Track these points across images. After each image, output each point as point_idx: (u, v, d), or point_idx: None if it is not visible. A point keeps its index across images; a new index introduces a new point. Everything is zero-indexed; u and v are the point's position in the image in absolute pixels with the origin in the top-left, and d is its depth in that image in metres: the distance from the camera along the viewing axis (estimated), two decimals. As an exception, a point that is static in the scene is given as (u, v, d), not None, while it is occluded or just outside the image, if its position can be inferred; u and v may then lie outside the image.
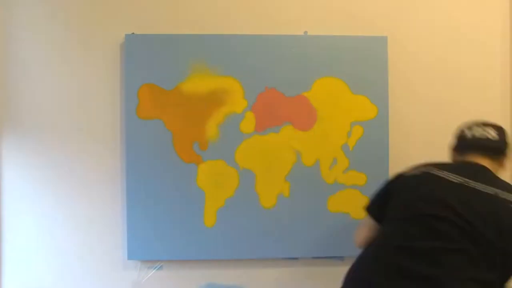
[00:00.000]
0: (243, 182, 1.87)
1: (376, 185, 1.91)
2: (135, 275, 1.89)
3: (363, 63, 1.92)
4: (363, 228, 1.43)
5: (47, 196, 1.88)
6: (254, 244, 1.85)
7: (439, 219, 1.17)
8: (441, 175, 1.25)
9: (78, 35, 1.90)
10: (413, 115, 1.99)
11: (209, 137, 1.86)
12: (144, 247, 1.82)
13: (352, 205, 1.91)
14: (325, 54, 1.91)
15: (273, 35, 1.91)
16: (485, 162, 1.33)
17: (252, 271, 1.90)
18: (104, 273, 1.88)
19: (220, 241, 1.85)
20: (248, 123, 1.88)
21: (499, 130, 1.40)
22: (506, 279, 1.18)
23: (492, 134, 1.36)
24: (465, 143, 1.41)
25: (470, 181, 1.22)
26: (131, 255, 1.82)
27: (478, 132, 1.38)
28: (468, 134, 1.40)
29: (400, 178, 1.38)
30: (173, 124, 1.85)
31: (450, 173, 1.25)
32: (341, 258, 1.94)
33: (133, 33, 1.88)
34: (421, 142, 1.99)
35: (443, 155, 2.00)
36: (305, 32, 1.95)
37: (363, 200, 1.92)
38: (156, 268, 1.85)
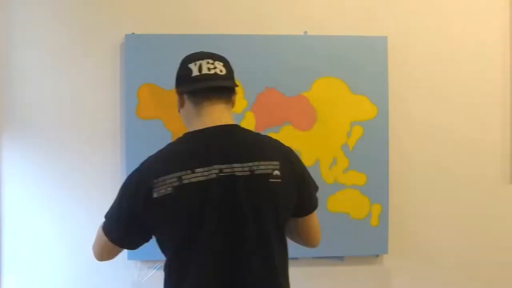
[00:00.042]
0: (243, 182, 1.86)
1: (376, 185, 1.92)
2: (135, 275, 1.89)
3: (363, 63, 1.92)
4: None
5: (47, 196, 1.88)
6: (254, 244, 1.85)
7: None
8: (194, 180, 1.05)
9: (78, 35, 1.90)
10: (413, 115, 1.99)
11: (209, 137, 1.86)
12: (144, 247, 1.82)
13: (352, 205, 1.91)
14: (325, 54, 1.91)
15: (273, 35, 1.91)
16: (221, 106, 1.14)
17: (252, 271, 1.90)
18: (104, 273, 1.87)
19: (220, 241, 1.85)
20: (248, 123, 1.88)
21: (224, 61, 1.17)
22: None
23: (219, 68, 1.13)
24: (194, 84, 1.13)
25: (225, 166, 1.06)
26: (131, 255, 1.81)
27: (206, 67, 1.12)
28: (195, 70, 1.12)
29: (152, 201, 1.07)
30: (173, 124, 1.85)
31: (203, 168, 1.05)
32: (341, 258, 1.94)
33: (133, 33, 1.88)
34: (421, 142, 1.99)
35: (443, 155, 2.01)
36: (305, 32, 1.95)
37: (363, 200, 1.94)
38: (156, 268, 1.85)
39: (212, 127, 1.12)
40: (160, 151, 1.15)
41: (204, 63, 1.12)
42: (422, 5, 2.00)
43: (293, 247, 1.25)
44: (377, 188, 1.92)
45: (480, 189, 2.01)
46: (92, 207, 1.88)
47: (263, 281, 1.10)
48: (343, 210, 1.91)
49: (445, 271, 2.00)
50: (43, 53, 1.89)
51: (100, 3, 1.91)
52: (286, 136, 1.89)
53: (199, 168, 1.06)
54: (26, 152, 1.89)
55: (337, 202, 1.90)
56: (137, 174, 1.12)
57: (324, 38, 1.92)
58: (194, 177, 1.05)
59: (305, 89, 1.90)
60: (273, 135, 1.87)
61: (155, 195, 1.06)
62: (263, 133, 1.87)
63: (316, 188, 1.26)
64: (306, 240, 1.27)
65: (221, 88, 1.14)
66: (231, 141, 1.12)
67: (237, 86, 1.19)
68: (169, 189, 1.05)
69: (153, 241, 1.17)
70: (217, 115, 1.14)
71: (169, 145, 1.16)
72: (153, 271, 1.86)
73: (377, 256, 1.98)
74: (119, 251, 1.21)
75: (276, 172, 1.09)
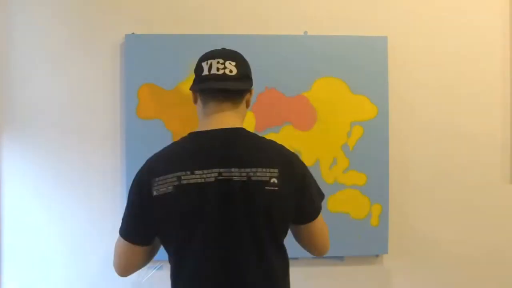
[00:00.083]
0: (243, 182, 1.86)
1: (376, 185, 1.92)
2: (135, 275, 1.88)
3: (363, 63, 1.92)
4: None
5: (47, 195, 1.88)
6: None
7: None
8: (193, 181, 1.06)
9: (78, 35, 1.90)
10: (413, 115, 1.99)
11: (209, 137, 1.86)
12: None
13: (352, 205, 1.91)
14: (325, 54, 1.91)
15: (273, 35, 1.91)
16: (227, 108, 1.14)
17: (252, 271, 1.89)
18: (104, 273, 1.87)
19: (220, 241, 1.85)
20: (248, 123, 1.88)
21: (237, 59, 1.16)
22: None
23: (230, 68, 1.12)
24: (202, 83, 1.15)
25: (224, 170, 1.06)
26: (131, 255, 1.82)
27: (215, 67, 1.12)
28: (205, 68, 1.13)
29: (152, 199, 1.09)
30: (173, 124, 1.85)
31: (203, 170, 1.06)
32: (341, 258, 1.94)
33: (133, 33, 1.88)
34: (421, 142, 1.99)
35: (443, 155, 2.01)
36: (305, 32, 1.95)
37: (363, 200, 1.94)
38: (156, 268, 1.85)
39: (217, 129, 1.13)
40: (163, 150, 1.16)
41: (214, 62, 1.13)
42: (422, 5, 2.00)
43: (293, 247, 1.25)
44: (377, 188, 1.92)
45: (480, 189, 2.01)
46: (92, 207, 1.88)
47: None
48: (343, 210, 1.91)
49: (445, 271, 2.00)
50: (43, 53, 1.89)
51: (100, 3, 1.91)
52: (286, 136, 1.89)
53: (198, 170, 1.07)
54: (26, 152, 1.88)
55: (337, 202, 1.90)
56: (139, 173, 1.15)
57: (324, 38, 1.92)
58: (193, 179, 1.06)
59: (305, 89, 1.90)
60: (273, 135, 1.89)
61: (155, 193, 1.08)
62: (263, 133, 1.88)
63: (321, 196, 1.23)
64: (310, 247, 1.26)
65: (228, 89, 1.13)
66: (233, 145, 1.11)
67: (247, 88, 1.18)
68: (170, 187, 1.06)
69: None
70: (223, 117, 1.14)
71: (172, 144, 1.18)
72: (153, 271, 1.86)
73: (377, 256, 1.98)
74: (136, 254, 1.18)
75: (274, 180, 1.08)
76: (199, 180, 1.06)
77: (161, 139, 1.84)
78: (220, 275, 1.08)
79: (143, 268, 1.87)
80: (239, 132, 1.15)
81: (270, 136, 1.88)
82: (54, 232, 1.88)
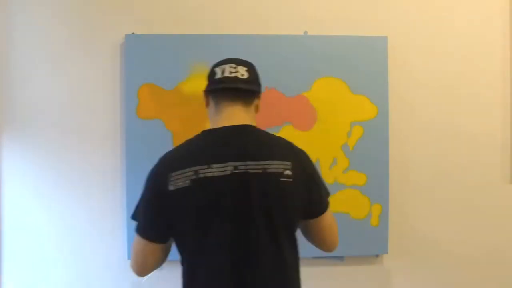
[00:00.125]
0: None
1: (376, 185, 1.92)
2: (135, 275, 1.88)
3: (363, 63, 1.92)
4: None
5: (47, 196, 1.88)
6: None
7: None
8: (209, 175, 1.09)
9: (78, 35, 1.90)
10: (413, 115, 1.99)
11: (209, 137, 1.86)
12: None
13: (352, 205, 1.91)
14: (325, 54, 1.91)
15: (273, 35, 1.91)
16: (239, 107, 1.20)
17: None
18: (104, 273, 1.88)
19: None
20: (248, 123, 1.88)
21: (249, 66, 1.24)
22: None
23: (241, 72, 1.19)
24: (215, 85, 1.21)
25: (239, 163, 1.10)
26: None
27: (228, 70, 1.19)
28: (219, 73, 1.20)
29: (168, 194, 1.11)
30: (173, 124, 1.85)
31: (218, 164, 1.10)
32: (341, 258, 1.94)
33: (133, 33, 1.88)
34: (421, 142, 1.99)
35: (443, 155, 2.01)
36: (305, 32, 1.95)
37: (363, 200, 1.94)
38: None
39: (229, 126, 1.17)
40: (176, 148, 1.20)
41: (227, 67, 1.20)
42: (422, 5, 2.00)
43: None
44: (377, 188, 1.92)
45: (480, 189, 2.01)
46: (92, 207, 1.88)
47: (273, 279, 1.12)
48: (343, 210, 1.91)
49: (445, 271, 2.00)
50: (43, 53, 1.89)
51: (100, 3, 1.91)
52: (286, 136, 1.85)
53: (215, 164, 1.10)
54: (26, 152, 1.89)
55: (337, 202, 1.90)
56: (155, 169, 1.17)
57: (324, 38, 1.92)
58: (210, 172, 1.10)
59: (305, 89, 1.90)
60: (273, 135, 1.89)
61: (171, 187, 1.10)
62: (263, 133, 1.88)
63: (326, 191, 1.27)
64: (320, 242, 1.28)
65: (240, 89, 1.19)
66: (246, 140, 1.16)
67: (258, 91, 1.25)
68: (187, 182, 1.10)
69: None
70: (234, 115, 1.19)
71: (187, 141, 1.21)
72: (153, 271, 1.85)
73: (377, 256, 1.98)
74: (154, 253, 1.18)
75: (288, 172, 1.13)
76: (216, 174, 1.10)
77: (161, 139, 1.84)
78: (237, 268, 1.10)
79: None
80: (251, 128, 1.20)
81: (270, 136, 1.88)
82: (54, 232, 1.88)
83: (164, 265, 1.25)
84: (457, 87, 2.00)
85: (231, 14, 1.94)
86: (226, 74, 1.19)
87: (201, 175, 1.09)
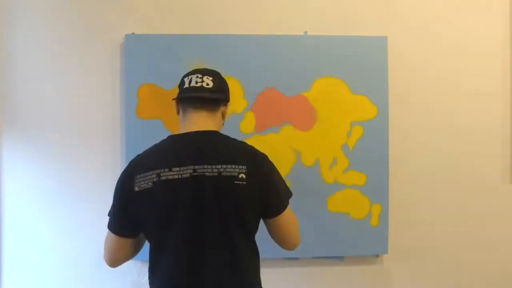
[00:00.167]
0: (243, 182, 1.86)
1: (376, 185, 1.92)
2: (135, 275, 1.89)
3: (363, 63, 1.92)
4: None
5: (47, 196, 1.88)
6: (254, 244, 1.85)
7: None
8: (170, 177, 1.18)
9: (78, 35, 1.90)
10: (413, 115, 1.99)
11: (209, 137, 1.86)
12: (144, 247, 1.82)
13: (352, 205, 1.91)
14: (325, 54, 1.91)
15: (273, 35, 1.91)
16: (203, 114, 1.28)
17: (252, 271, 1.90)
18: (104, 273, 1.87)
19: (220, 241, 1.85)
20: (248, 123, 1.88)
21: (214, 76, 1.32)
22: None
23: (207, 82, 1.28)
24: (182, 94, 1.30)
25: (198, 166, 1.19)
26: (131, 255, 1.82)
27: (194, 80, 1.29)
28: (186, 82, 1.30)
29: (134, 194, 1.20)
30: (173, 124, 1.85)
31: (179, 167, 1.18)
32: (341, 258, 1.94)
33: (133, 33, 1.88)
34: (421, 142, 1.99)
35: (443, 155, 2.01)
36: (305, 32, 1.95)
37: (363, 200, 1.94)
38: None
39: (193, 131, 1.26)
40: (145, 151, 1.29)
41: (194, 77, 1.30)
42: (422, 5, 2.00)
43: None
44: (377, 188, 1.92)
45: (480, 189, 2.01)
46: (92, 207, 1.88)
47: (227, 277, 1.20)
48: (343, 210, 1.91)
49: (445, 271, 2.00)
50: (43, 53, 1.89)
51: (100, 3, 1.91)
52: (286, 136, 1.89)
53: (175, 167, 1.19)
54: (26, 152, 1.89)
55: (337, 202, 1.90)
56: (123, 172, 1.27)
57: (324, 38, 1.92)
58: (171, 175, 1.18)
59: (305, 89, 1.90)
60: (273, 135, 1.89)
61: (136, 188, 1.20)
62: (263, 133, 1.89)
63: (288, 193, 1.33)
64: (279, 240, 1.33)
65: (204, 98, 1.28)
66: (206, 145, 1.24)
67: (223, 99, 1.33)
68: (150, 183, 1.19)
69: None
70: (199, 121, 1.28)
71: (155, 145, 1.30)
72: (153, 271, 1.86)
73: (377, 256, 1.98)
74: (123, 246, 1.26)
75: (242, 175, 1.20)
76: (176, 176, 1.18)
77: (161, 139, 1.82)
78: (192, 266, 1.18)
79: (143, 268, 1.88)
80: (212, 134, 1.28)
81: (270, 136, 1.89)
82: (54, 232, 1.89)
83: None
84: (457, 87, 2.00)
85: (231, 14, 1.94)
86: (192, 84, 1.28)
87: (163, 178, 1.18)
